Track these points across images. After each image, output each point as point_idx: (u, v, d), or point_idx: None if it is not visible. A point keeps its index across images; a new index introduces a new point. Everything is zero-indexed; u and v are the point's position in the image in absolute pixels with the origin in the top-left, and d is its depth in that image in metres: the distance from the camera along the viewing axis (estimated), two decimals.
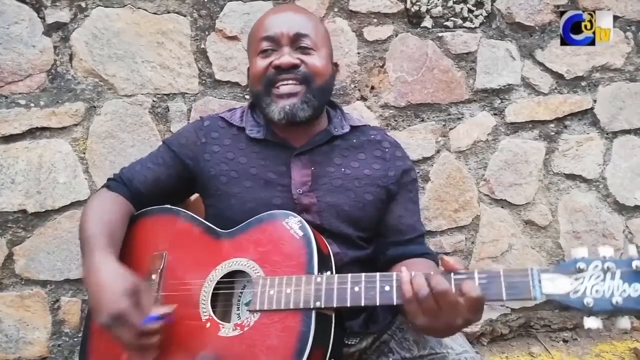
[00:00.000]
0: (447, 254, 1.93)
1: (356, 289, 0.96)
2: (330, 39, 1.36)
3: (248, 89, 1.37)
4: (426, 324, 0.91)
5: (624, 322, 0.83)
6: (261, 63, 1.24)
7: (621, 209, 2.04)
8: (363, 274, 0.98)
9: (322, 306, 0.97)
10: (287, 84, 1.22)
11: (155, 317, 1.02)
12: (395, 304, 0.94)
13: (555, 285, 0.85)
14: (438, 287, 0.89)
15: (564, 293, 0.85)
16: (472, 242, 1.97)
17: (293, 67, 1.22)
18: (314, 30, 1.27)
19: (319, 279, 0.99)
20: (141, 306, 1.03)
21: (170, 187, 1.32)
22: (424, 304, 0.90)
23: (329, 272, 1.02)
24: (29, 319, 1.70)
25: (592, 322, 0.83)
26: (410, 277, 0.93)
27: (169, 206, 1.29)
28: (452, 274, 0.92)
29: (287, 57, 1.21)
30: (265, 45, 1.25)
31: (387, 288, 0.95)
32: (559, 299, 0.85)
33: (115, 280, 1.04)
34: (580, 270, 0.85)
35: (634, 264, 0.82)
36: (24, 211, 1.66)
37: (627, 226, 2.05)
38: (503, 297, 0.89)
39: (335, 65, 1.38)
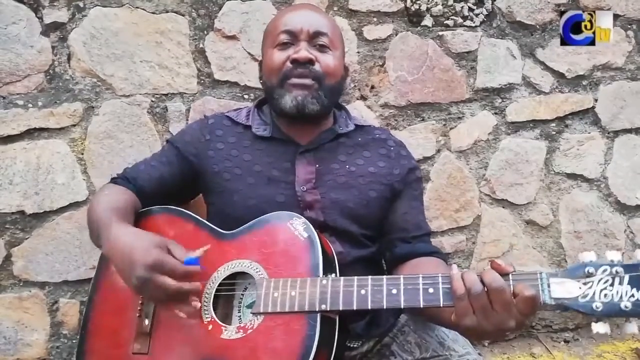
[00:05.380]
0: (448, 254, 1.92)
1: (362, 291, 0.95)
2: (343, 42, 1.37)
3: (260, 81, 1.37)
4: (475, 324, 0.87)
5: (632, 327, 0.82)
6: (279, 56, 1.26)
7: (622, 208, 2.04)
8: (370, 277, 0.96)
9: (328, 309, 0.95)
10: (300, 78, 1.23)
11: (194, 259, 1.00)
12: (402, 307, 0.93)
13: (565, 289, 0.85)
14: (494, 284, 0.85)
15: (573, 297, 0.84)
16: (473, 243, 1.96)
17: (309, 62, 1.23)
18: (331, 31, 1.29)
19: (324, 282, 0.98)
20: (174, 254, 1.01)
21: (174, 185, 1.32)
22: (476, 302, 0.86)
23: (333, 275, 1.01)
24: (28, 321, 1.69)
25: (600, 327, 0.82)
26: (461, 273, 0.89)
27: (170, 206, 1.28)
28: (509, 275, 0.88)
29: (304, 51, 1.23)
30: (284, 38, 1.26)
31: (394, 291, 0.93)
32: (567, 303, 0.84)
33: (140, 238, 1.03)
34: (589, 275, 0.84)
35: None
36: (22, 212, 1.65)
37: (628, 226, 2.04)
38: None
39: (346, 68, 1.39)
